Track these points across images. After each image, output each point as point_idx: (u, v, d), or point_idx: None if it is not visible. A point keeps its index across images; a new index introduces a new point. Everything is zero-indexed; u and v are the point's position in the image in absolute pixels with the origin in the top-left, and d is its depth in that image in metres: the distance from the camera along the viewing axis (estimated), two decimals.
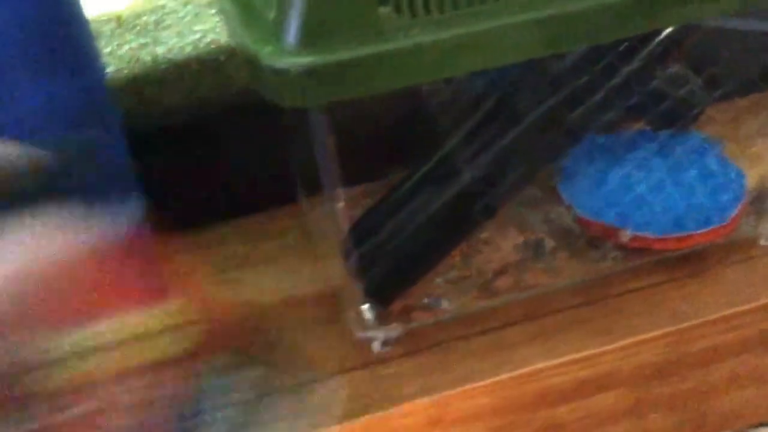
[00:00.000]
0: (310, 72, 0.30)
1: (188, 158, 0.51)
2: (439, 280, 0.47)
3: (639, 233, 0.47)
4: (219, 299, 0.40)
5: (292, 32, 0.31)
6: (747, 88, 0.51)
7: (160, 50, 0.49)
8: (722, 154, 0.51)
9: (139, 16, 0.49)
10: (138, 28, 0.49)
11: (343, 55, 0.31)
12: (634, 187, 0.49)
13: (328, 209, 0.41)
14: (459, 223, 0.45)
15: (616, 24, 0.38)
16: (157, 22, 0.50)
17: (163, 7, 0.49)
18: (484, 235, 0.49)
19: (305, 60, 0.30)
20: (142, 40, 0.49)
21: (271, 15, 0.31)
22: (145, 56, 0.49)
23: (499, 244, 0.49)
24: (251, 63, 0.31)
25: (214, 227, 0.54)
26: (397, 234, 0.44)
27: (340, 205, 0.50)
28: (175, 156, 0.51)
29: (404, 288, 0.45)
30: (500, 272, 0.47)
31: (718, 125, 0.53)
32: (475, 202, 0.45)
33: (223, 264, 0.52)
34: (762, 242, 0.49)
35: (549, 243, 0.49)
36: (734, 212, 0.47)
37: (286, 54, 0.30)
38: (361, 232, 0.44)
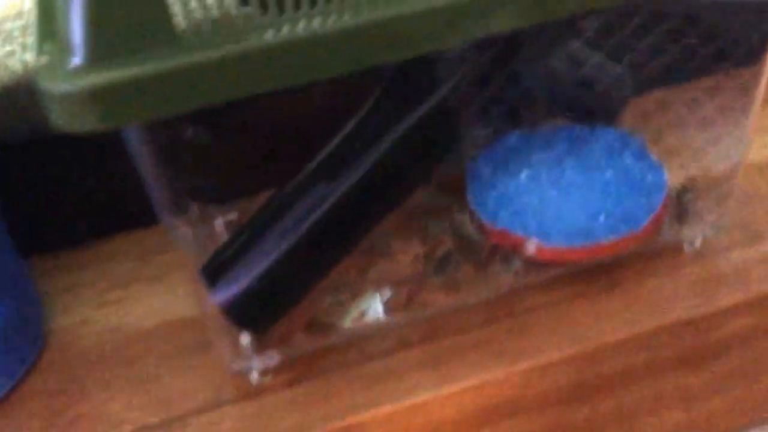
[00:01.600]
0: (95, 93, 0.27)
1: (66, 170, 0.48)
2: (329, 298, 0.44)
3: (545, 244, 0.43)
4: None
5: (75, 48, 0.27)
6: (676, 76, 0.47)
7: (29, 57, 0.46)
8: (643, 151, 0.46)
9: (2, 22, 0.45)
10: (3, 35, 0.45)
11: (138, 70, 0.27)
12: (540, 192, 0.45)
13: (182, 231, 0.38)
14: (336, 239, 0.41)
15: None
16: (24, 28, 0.46)
17: (29, 11, 0.46)
18: (383, 245, 0.46)
19: (89, 80, 0.27)
20: (8, 48, 0.46)
21: (56, 27, 0.28)
22: (14, 65, 0.46)
23: (398, 257, 0.45)
24: (34, 84, 0.27)
25: (107, 241, 0.51)
26: (264, 256, 0.40)
27: (218, 221, 0.47)
28: (53, 168, 0.48)
29: (280, 313, 0.41)
30: (396, 288, 0.44)
31: (642, 118, 0.49)
32: (352, 216, 0.41)
33: (109, 282, 0.48)
34: (686, 249, 0.45)
35: (452, 255, 0.45)
36: (651, 218, 0.43)
37: (67, 75, 0.27)
38: (220, 259, 0.40)
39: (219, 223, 0.49)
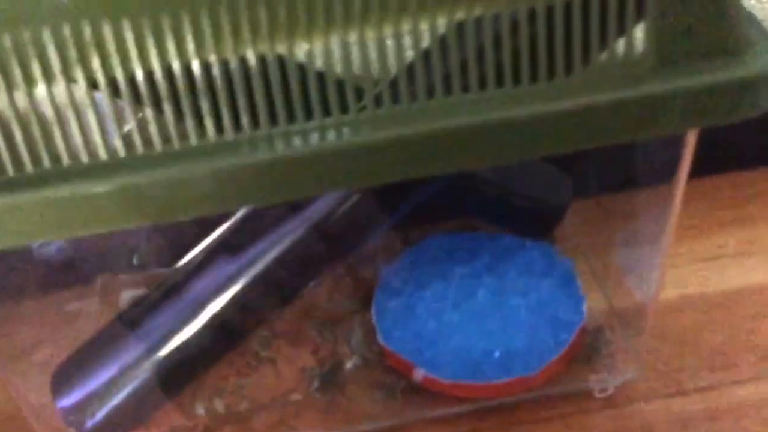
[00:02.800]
0: None
1: None
2: (199, 409, 0.41)
3: (433, 375, 0.40)
4: None
5: None
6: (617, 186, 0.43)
7: None
8: (569, 277, 0.42)
9: None
10: None
11: None
12: (442, 314, 0.41)
13: None
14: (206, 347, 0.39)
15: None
16: None
17: None
18: (268, 353, 0.43)
19: None
20: None
21: None
22: None
23: (283, 368, 0.42)
24: None
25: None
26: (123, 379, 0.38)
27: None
28: None
29: (128, 426, 0.39)
30: (269, 406, 0.41)
31: (580, 232, 0.45)
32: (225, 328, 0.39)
33: None
34: (597, 395, 0.41)
35: (343, 371, 0.42)
36: (552, 361, 0.39)
37: None
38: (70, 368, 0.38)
39: (124, 296, 0.47)
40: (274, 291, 0.40)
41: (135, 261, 0.49)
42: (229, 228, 0.39)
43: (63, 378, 0.38)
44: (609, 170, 0.45)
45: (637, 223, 0.41)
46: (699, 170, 0.52)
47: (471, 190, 0.44)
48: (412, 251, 0.45)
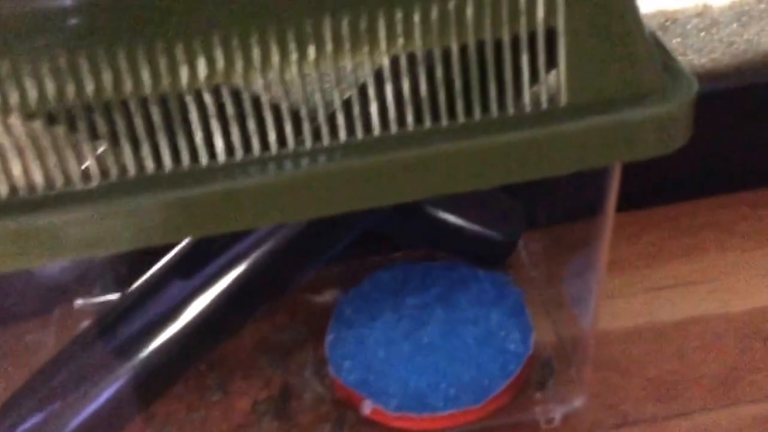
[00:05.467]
0: None
1: None
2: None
3: (380, 407, 0.40)
4: None
5: None
6: (564, 217, 0.44)
7: None
8: (518, 307, 0.43)
9: None
10: None
11: None
12: (391, 346, 0.41)
13: None
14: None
15: None
16: None
17: None
18: (222, 382, 0.43)
19: None
20: None
21: None
22: None
23: (234, 402, 0.43)
24: None
25: None
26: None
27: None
28: None
29: None
30: None
31: (532, 262, 0.46)
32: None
33: None
34: (543, 426, 0.41)
35: (294, 404, 0.42)
36: (496, 393, 0.39)
37: None
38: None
39: (82, 327, 0.47)
40: (230, 312, 0.40)
41: (94, 291, 0.49)
42: (181, 251, 0.40)
43: (11, 410, 0.38)
44: (554, 201, 0.45)
45: (578, 253, 0.41)
46: (652, 200, 0.53)
47: (425, 221, 0.45)
48: (367, 281, 0.46)
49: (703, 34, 0.49)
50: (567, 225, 0.44)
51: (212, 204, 0.27)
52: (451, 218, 0.45)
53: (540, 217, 0.47)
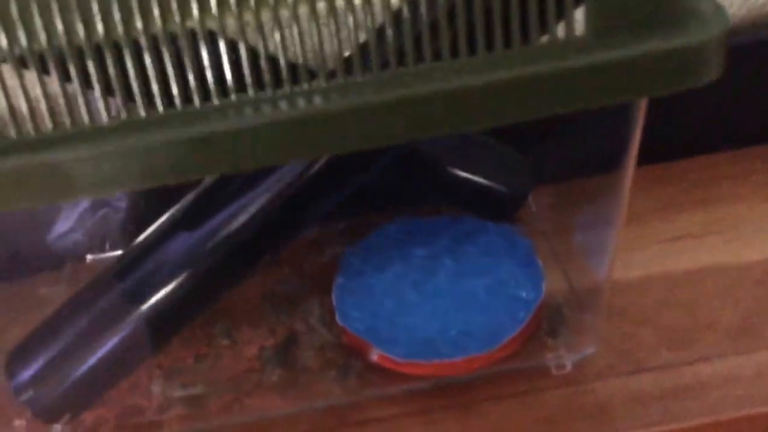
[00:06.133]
0: None
1: None
2: (155, 388, 0.41)
3: (389, 353, 0.39)
4: None
5: None
6: (578, 171, 0.43)
7: None
8: (528, 257, 0.42)
9: None
10: None
11: None
12: (400, 295, 0.41)
13: None
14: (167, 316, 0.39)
15: None
16: None
17: None
18: (225, 333, 0.43)
19: None
20: None
21: None
22: None
23: (240, 349, 0.42)
24: None
25: None
26: (74, 348, 0.38)
27: None
28: None
29: (90, 403, 0.39)
30: (225, 386, 0.41)
31: (542, 216, 0.45)
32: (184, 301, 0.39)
33: None
34: (554, 372, 0.40)
35: (300, 351, 0.42)
36: (506, 340, 0.39)
37: None
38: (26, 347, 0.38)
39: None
40: (239, 259, 0.40)
41: (106, 247, 0.49)
42: (187, 203, 0.39)
43: (19, 356, 0.38)
44: (568, 155, 0.45)
45: (594, 206, 0.41)
46: (665, 155, 0.52)
47: (433, 175, 0.44)
48: (375, 234, 0.45)
49: None
50: (578, 179, 0.43)
51: (223, 142, 0.26)
52: (460, 172, 0.45)
53: (550, 171, 0.46)
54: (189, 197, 0.39)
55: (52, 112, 0.26)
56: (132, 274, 0.38)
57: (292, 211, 0.38)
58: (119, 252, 0.48)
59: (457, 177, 0.44)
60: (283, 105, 0.27)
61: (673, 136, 0.51)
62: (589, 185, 0.41)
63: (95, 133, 0.26)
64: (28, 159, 0.26)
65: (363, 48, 0.27)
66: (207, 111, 0.27)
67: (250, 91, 0.27)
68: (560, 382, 0.39)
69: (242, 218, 0.38)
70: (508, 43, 0.27)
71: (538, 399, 0.39)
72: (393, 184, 0.45)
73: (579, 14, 0.27)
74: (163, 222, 0.39)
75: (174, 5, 0.25)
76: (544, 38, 0.27)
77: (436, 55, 0.27)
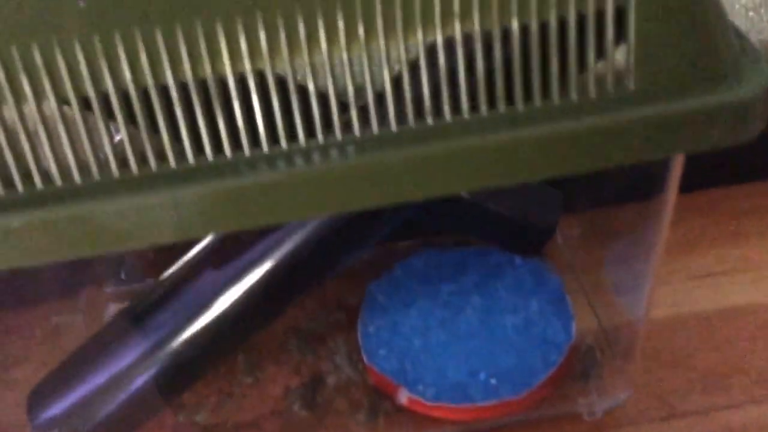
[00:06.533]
0: None
1: None
2: (181, 416, 0.40)
3: (415, 396, 0.39)
4: None
5: None
6: (610, 198, 0.42)
7: None
8: (558, 295, 0.41)
9: None
10: None
11: None
12: (428, 333, 0.40)
13: None
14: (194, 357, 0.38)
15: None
16: None
17: None
18: (250, 372, 0.42)
19: None
20: None
21: None
22: None
23: (265, 387, 0.41)
24: None
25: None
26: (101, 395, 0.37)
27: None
28: None
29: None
30: (249, 425, 0.40)
31: (571, 249, 0.44)
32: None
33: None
34: (586, 418, 0.40)
35: (325, 391, 0.41)
36: (538, 385, 0.38)
37: None
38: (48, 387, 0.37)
39: (110, 311, 0.46)
40: (264, 303, 0.39)
41: (122, 275, 0.48)
42: (213, 241, 0.39)
43: (41, 395, 0.37)
44: (599, 185, 0.44)
45: (627, 239, 0.40)
46: (694, 184, 0.51)
47: (460, 207, 0.43)
48: (399, 267, 0.44)
49: (751, 14, 0.47)
50: (607, 209, 0.42)
51: (257, 195, 0.25)
52: (487, 204, 0.44)
53: (578, 201, 0.45)
54: (215, 235, 0.38)
55: (81, 158, 0.25)
56: (154, 318, 0.37)
57: (324, 256, 0.37)
58: (135, 283, 0.48)
59: (485, 210, 0.44)
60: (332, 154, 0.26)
61: (701, 163, 0.50)
62: (623, 214, 0.40)
63: (124, 183, 0.26)
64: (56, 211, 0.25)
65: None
66: (238, 162, 0.26)
67: (283, 142, 0.26)
68: (592, 428, 0.39)
69: (271, 261, 0.37)
70: (546, 95, 0.26)
71: None
72: (419, 215, 0.44)
73: (621, 63, 0.27)
74: (188, 261, 0.39)
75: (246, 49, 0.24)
76: (589, 89, 0.26)
77: (474, 108, 0.26)
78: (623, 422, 0.39)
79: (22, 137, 0.24)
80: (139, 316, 0.38)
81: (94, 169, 0.25)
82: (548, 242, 0.46)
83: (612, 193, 0.41)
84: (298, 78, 0.26)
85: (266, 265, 0.37)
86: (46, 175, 0.25)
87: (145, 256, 0.47)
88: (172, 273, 0.39)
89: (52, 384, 0.37)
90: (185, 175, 0.25)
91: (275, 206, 0.26)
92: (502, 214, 0.44)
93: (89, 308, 0.46)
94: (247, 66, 0.24)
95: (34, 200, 0.25)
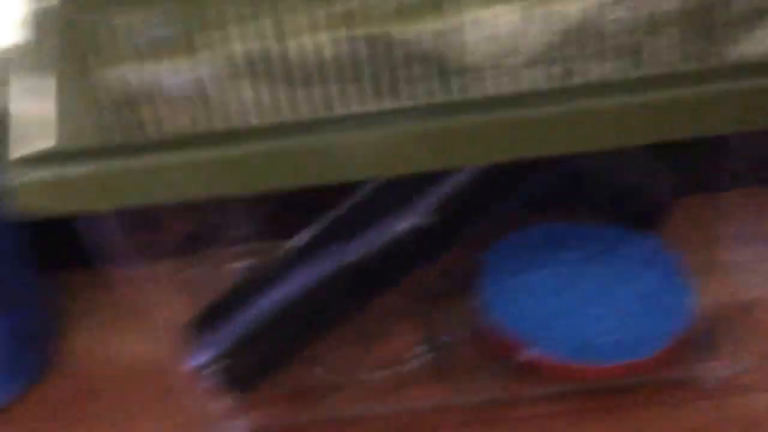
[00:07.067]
0: None
1: None
2: (318, 370, 0.43)
3: (544, 354, 0.41)
4: None
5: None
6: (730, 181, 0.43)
7: None
8: (677, 269, 0.43)
9: None
10: None
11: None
12: (551, 297, 0.42)
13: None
14: (330, 307, 0.40)
15: None
16: None
17: None
18: (381, 327, 0.44)
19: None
20: None
21: None
22: None
23: (396, 341, 0.44)
24: None
25: None
26: (254, 318, 0.40)
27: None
28: None
29: (262, 378, 0.40)
30: (386, 373, 0.42)
31: (686, 226, 0.46)
32: (350, 285, 0.40)
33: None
34: (703, 384, 0.41)
35: (449, 347, 0.43)
36: (662, 349, 0.40)
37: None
38: (209, 315, 0.40)
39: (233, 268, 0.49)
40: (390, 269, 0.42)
41: (250, 229, 0.51)
42: (343, 211, 0.41)
43: (202, 328, 0.40)
44: (719, 167, 0.45)
45: (749, 219, 0.41)
46: None
47: (577, 181, 0.45)
48: (518, 235, 0.46)
49: None
50: (728, 190, 0.44)
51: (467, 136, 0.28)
52: (604, 178, 0.45)
53: (694, 182, 0.47)
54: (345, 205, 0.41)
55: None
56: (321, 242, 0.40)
57: (453, 221, 0.40)
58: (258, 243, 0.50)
59: (602, 183, 0.45)
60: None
61: None
62: (746, 196, 0.41)
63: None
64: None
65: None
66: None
67: None
68: (710, 395, 0.40)
69: (398, 228, 0.40)
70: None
71: (686, 410, 0.40)
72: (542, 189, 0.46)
73: None
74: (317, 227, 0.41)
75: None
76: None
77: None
78: (741, 390, 0.40)
79: None
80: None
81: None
82: (665, 221, 0.47)
83: (736, 172, 0.43)
84: None
85: (391, 233, 0.40)
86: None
87: (270, 215, 0.50)
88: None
89: (210, 318, 0.40)
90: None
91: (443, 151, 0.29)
92: (617, 188, 0.45)
93: (218, 265, 0.49)
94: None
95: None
